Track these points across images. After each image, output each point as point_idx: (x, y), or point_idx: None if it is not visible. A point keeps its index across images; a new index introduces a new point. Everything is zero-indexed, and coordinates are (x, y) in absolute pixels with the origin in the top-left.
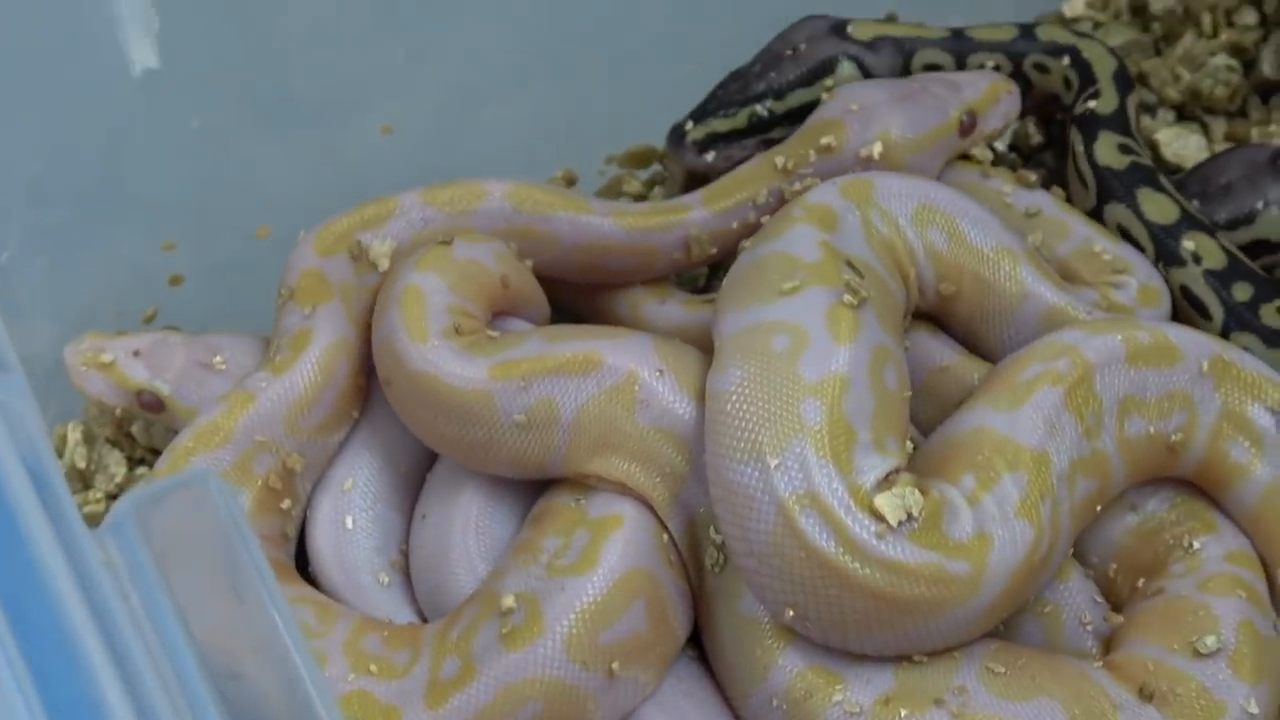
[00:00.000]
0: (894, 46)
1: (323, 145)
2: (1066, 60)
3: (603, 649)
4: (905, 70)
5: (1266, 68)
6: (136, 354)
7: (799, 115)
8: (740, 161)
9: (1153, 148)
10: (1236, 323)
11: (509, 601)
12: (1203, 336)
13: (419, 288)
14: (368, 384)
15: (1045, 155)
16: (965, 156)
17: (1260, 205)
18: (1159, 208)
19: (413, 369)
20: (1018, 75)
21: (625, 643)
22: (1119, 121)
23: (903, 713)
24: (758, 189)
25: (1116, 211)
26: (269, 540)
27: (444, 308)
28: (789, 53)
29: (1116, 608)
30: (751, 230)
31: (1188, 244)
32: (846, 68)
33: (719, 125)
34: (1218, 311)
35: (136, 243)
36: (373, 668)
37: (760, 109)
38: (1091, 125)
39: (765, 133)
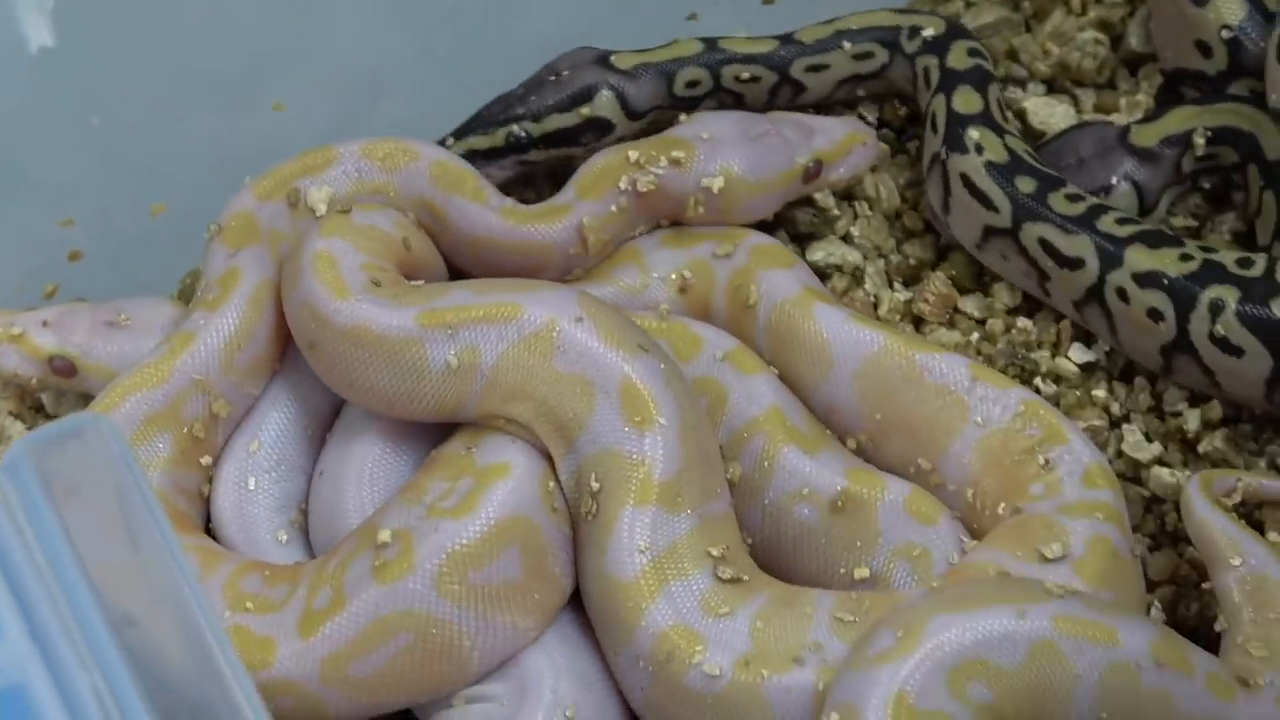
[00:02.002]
0: (655, 72)
1: (218, 122)
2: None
3: (475, 590)
4: (669, 91)
5: (1134, 41)
6: (45, 324)
7: (555, 139)
8: (498, 181)
9: (1020, 117)
10: (1026, 214)
11: (385, 536)
12: None
13: (327, 251)
14: (288, 339)
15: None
16: (809, 200)
17: (1113, 180)
18: (966, 101)
19: (341, 324)
20: (785, 82)
21: (499, 587)
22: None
23: (764, 673)
24: (617, 177)
25: (935, 102)
26: (184, 494)
27: (357, 266)
28: (552, 78)
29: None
30: (629, 216)
31: (973, 134)
32: (604, 96)
33: (477, 143)
34: (1004, 204)
35: (34, 220)
36: (249, 605)
37: (518, 130)
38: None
39: (521, 154)
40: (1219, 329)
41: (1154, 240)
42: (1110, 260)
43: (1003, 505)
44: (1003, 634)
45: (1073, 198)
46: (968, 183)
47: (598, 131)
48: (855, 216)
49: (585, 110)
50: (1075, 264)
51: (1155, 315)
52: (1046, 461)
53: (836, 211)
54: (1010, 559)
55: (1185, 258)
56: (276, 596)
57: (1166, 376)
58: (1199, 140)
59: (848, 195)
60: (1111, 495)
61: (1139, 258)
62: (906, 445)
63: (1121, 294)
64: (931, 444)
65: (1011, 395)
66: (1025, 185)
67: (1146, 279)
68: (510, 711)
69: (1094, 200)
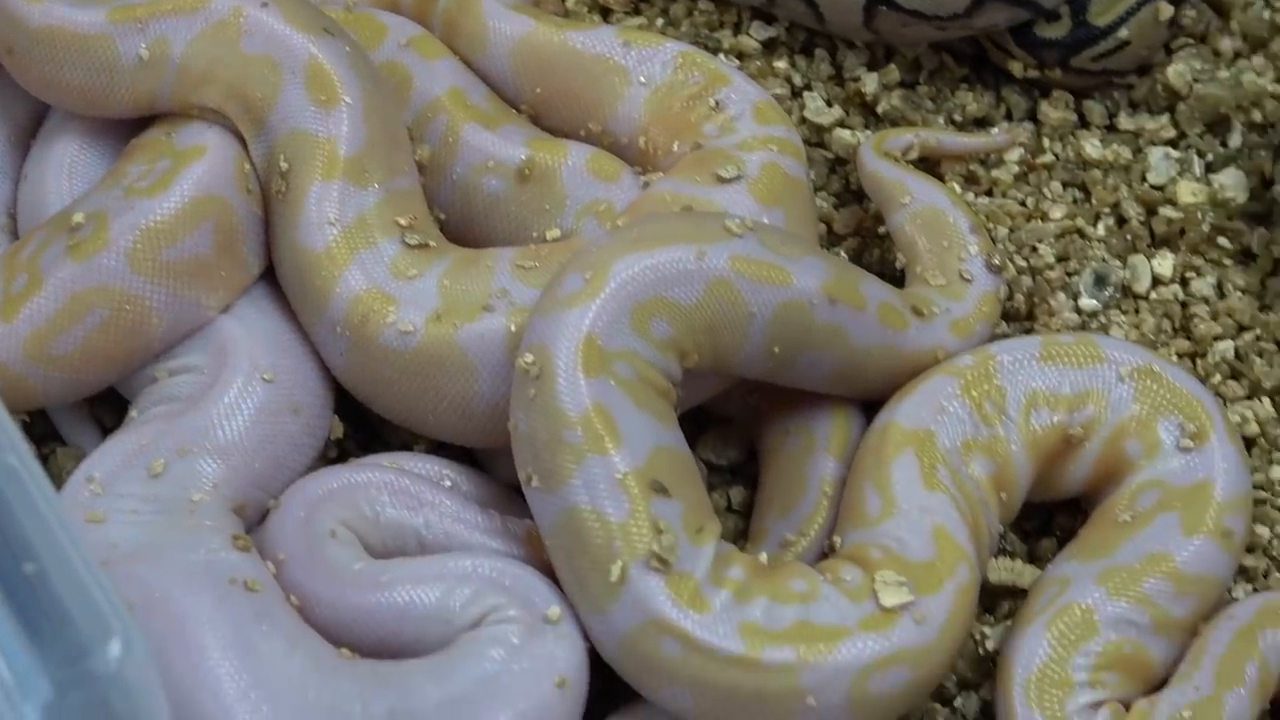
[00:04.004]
0: None
1: None
2: None
3: (165, 266)
4: None
5: None
6: None
7: None
8: None
9: None
10: None
11: (78, 218)
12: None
13: None
14: None
15: None
16: None
17: None
18: None
19: (35, 26)
20: None
21: (190, 263)
22: None
23: (457, 323)
24: None
25: None
26: None
27: None
28: None
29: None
30: None
31: None
32: None
33: None
34: None
35: None
36: None
37: None
38: None
39: None
40: None
41: None
42: None
43: (678, 144)
44: (682, 273)
45: None
46: None
47: None
48: None
49: None
50: None
51: None
52: (716, 103)
53: None
54: (688, 184)
55: None
56: None
57: (771, 7)
58: None
59: None
60: (784, 129)
61: None
62: (573, 112)
63: None
64: (598, 109)
65: (667, 49)
66: None
67: None
68: (210, 379)
69: None
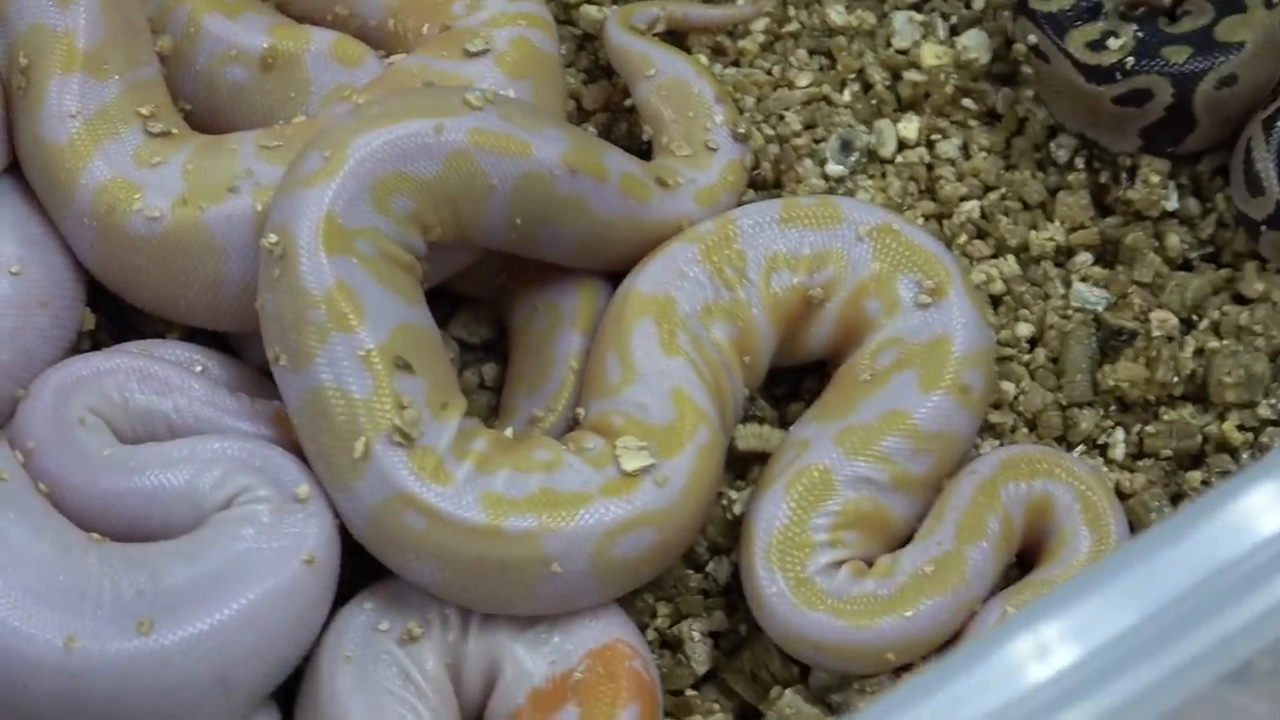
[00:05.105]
0: None
1: None
2: None
3: None
4: None
5: None
6: None
7: None
8: None
9: None
10: None
11: None
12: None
13: None
14: None
15: None
16: None
17: None
18: None
19: None
20: None
21: None
22: None
23: (203, 206)
24: None
25: None
26: None
27: None
28: None
29: None
30: None
31: None
32: None
33: None
34: None
35: None
36: None
37: None
38: None
39: None
40: None
41: None
42: None
43: (427, 26)
44: (421, 147)
45: None
46: None
47: None
48: None
49: None
50: None
51: None
52: None
53: None
54: (434, 59)
55: None
56: None
57: None
58: None
59: None
60: (533, 4)
61: None
62: None
63: None
64: None
65: None
66: None
67: None
68: None
69: None
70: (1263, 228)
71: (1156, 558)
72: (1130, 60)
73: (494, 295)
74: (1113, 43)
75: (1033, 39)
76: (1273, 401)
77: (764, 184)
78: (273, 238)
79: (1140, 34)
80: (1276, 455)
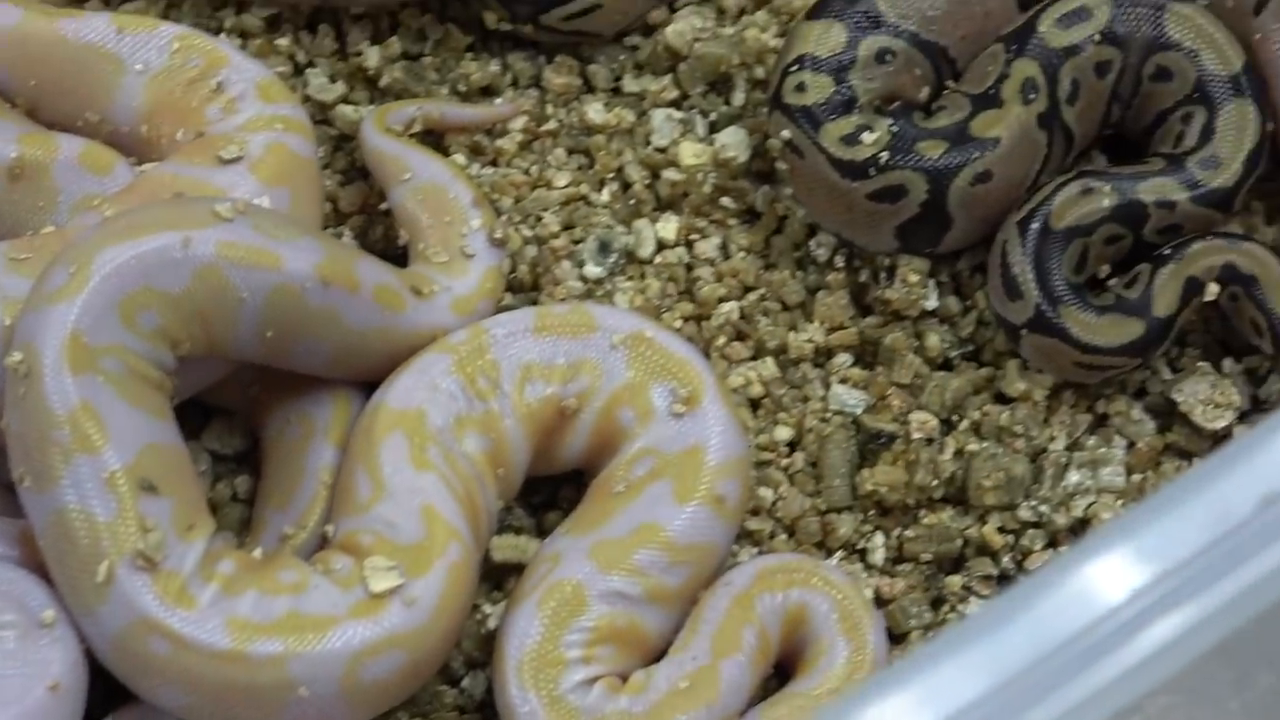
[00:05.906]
0: None
1: None
2: None
3: None
4: None
5: None
6: None
7: None
8: None
9: None
10: None
11: None
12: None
13: None
14: None
15: None
16: None
17: None
18: None
19: None
20: None
21: None
22: None
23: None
24: None
25: None
26: None
27: None
28: None
29: None
30: None
31: None
32: None
33: None
34: None
35: None
36: None
37: None
38: None
39: None
40: None
41: None
42: None
43: (181, 132)
44: (168, 262)
45: None
46: None
47: None
48: None
49: None
50: None
51: None
52: (217, 85)
53: None
54: (187, 167)
55: None
56: None
57: None
58: None
59: None
60: (290, 107)
61: None
62: (70, 104)
63: None
64: (95, 99)
65: (163, 33)
66: None
67: None
68: None
69: None
70: (1023, 331)
71: (1004, 630)
72: (884, 155)
73: (247, 406)
74: (867, 137)
75: (787, 134)
76: (1033, 504)
77: (522, 286)
78: (18, 356)
79: (895, 128)
80: (1114, 524)
